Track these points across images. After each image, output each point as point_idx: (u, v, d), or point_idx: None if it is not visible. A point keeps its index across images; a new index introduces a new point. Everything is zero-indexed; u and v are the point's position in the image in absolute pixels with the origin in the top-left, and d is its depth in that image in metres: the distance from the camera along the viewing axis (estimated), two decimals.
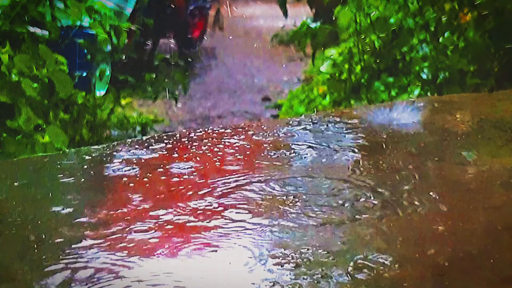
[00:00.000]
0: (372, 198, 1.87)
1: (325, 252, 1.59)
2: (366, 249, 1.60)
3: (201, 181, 1.99)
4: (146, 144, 2.28)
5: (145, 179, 2.01)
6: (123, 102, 6.04)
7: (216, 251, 1.61)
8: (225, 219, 1.76)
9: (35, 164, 2.24)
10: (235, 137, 2.34)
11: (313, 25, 6.68)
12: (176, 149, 2.25)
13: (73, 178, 2.05)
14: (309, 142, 2.29)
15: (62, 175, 2.07)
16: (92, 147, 2.36)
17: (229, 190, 1.92)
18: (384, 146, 2.28)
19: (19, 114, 4.00)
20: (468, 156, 2.16)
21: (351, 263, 1.55)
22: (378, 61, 5.73)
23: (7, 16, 4.12)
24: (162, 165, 2.10)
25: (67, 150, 3.09)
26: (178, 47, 9.84)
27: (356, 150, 2.25)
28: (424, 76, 5.40)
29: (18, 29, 4.16)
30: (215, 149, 2.23)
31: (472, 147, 2.25)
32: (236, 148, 2.25)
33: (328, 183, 1.98)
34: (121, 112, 6.02)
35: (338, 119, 2.51)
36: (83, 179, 2.06)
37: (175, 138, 2.37)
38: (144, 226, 1.73)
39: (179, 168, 2.09)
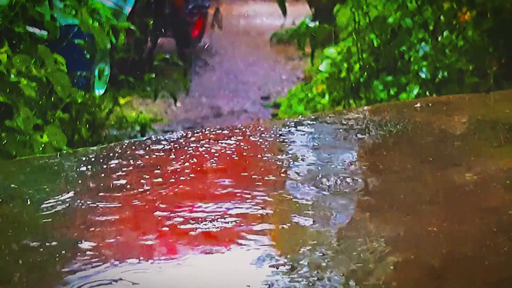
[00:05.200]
0: (368, 200, 1.87)
1: (321, 254, 1.59)
2: (361, 251, 1.60)
3: (196, 184, 1.99)
4: (143, 145, 2.28)
5: (142, 181, 2.01)
6: (122, 101, 6.04)
7: (211, 253, 1.61)
8: (221, 222, 1.76)
9: (32, 165, 2.24)
10: (232, 138, 2.34)
11: (312, 24, 6.69)
12: (173, 150, 2.25)
13: (70, 180, 2.06)
14: (306, 143, 2.29)
15: (59, 177, 2.08)
16: (90, 148, 2.36)
17: (223, 193, 1.92)
18: (380, 147, 2.28)
19: (18, 114, 4.00)
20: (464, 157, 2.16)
21: (346, 266, 1.55)
22: (378, 60, 5.73)
23: (6, 16, 4.12)
24: (159, 167, 2.10)
25: (65, 151, 3.10)
26: (178, 46, 9.83)
27: (353, 151, 2.25)
28: (423, 75, 5.40)
29: (17, 29, 4.16)
30: (212, 150, 2.23)
31: (469, 148, 2.25)
32: (233, 149, 2.25)
33: (326, 185, 1.98)
34: (120, 111, 6.02)
35: (335, 119, 2.51)
36: (80, 181, 2.06)
37: (172, 139, 2.37)
38: (141, 228, 1.74)
39: (176, 170, 2.09)
